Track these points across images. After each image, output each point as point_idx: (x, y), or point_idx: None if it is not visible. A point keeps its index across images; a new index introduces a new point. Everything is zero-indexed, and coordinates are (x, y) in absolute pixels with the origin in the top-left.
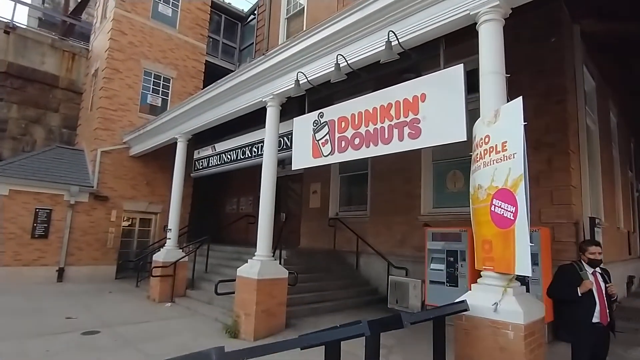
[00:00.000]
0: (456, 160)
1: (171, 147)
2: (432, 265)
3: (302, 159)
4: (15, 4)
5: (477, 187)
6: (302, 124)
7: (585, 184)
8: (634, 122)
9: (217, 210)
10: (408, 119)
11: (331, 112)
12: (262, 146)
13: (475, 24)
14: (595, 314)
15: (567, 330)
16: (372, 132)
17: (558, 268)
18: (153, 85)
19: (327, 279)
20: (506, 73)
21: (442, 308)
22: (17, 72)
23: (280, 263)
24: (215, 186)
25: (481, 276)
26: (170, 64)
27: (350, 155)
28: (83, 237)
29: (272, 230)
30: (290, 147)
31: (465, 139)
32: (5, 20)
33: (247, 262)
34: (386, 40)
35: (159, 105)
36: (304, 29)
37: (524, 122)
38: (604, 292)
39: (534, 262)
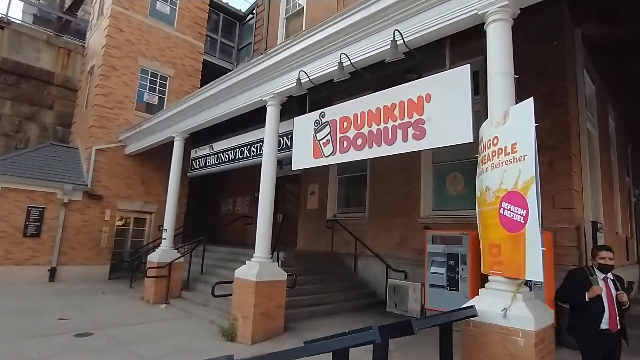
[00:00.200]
0: (456, 162)
1: (167, 146)
2: (432, 269)
3: (302, 159)
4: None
5: (485, 190)
6: (303, 124)
7: (586, 188)
8: (632, 125)
9: (213, 210)
10: (412, 120)
11: (333, 112)
12: (260, 146)
13: (483, 24)
14: (603, 320)
15: (576, 336)
16: (375, 132)
17: (568, 272)
18: (150, 83)
19: (325, 282)
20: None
21: (451, 313)
22: (11, 68)
23: (277, 265)
24: (210, 186)
25: (487, 280)
26: (168, 63)
27: (353, 155)
28: (76, 236)
29: (271, 232)
30: (290, 147)
31: (472, 141)
32: (0, 16)
33: (244, 263)
34: (391, 39)
35: (156, 103)
36: (303, 29)
37: (535, 123)
38: (614, 298)
39: None
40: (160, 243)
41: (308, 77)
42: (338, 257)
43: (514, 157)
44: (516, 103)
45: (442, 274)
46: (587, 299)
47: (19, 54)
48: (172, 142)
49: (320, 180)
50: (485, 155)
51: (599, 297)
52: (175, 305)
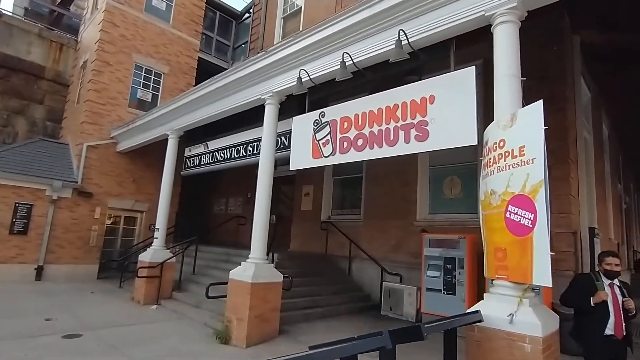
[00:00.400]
0: (454, 166)
1: (160, 144)
2: (429, 272)
3: (301, 159)
4: None
5: (490, 193)
6: (302, 124)
7: (582, 194)
8: (625, 134)
9: (205, 210)
10: (415, 121)
11: (333, 112)
12: (257, 145)
13: (488, 26)
14: (608, 326)
15: (581, 341)
16: (376, 133)
17: (574, 276)
18: (144, 80)
19: (320, 284)
20: None
21: (457, 318)
22: (1, 61)
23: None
24: (202, 186)
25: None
26: (163, 59)
27: (353, 156)
28: (65, 234)
29: (267, 233)
30: (288, 146)
31: (476, 143)
32: None
33: (237, 264)
34: (396, 39)
35: (149, 100)
36: (301, 29)
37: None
38: (620, 305)
39: None
40: (151, 243)
41: (309, 76)
42: (332, 259)
43: (521, 160)
44: (523, 106)
45: (438, 277)
46: (592, 304)
47: (9, 47)
48: (166, 140)
49: (315, 182)
50: (490, 158)
51: (605, 302)
52: (166, 306)
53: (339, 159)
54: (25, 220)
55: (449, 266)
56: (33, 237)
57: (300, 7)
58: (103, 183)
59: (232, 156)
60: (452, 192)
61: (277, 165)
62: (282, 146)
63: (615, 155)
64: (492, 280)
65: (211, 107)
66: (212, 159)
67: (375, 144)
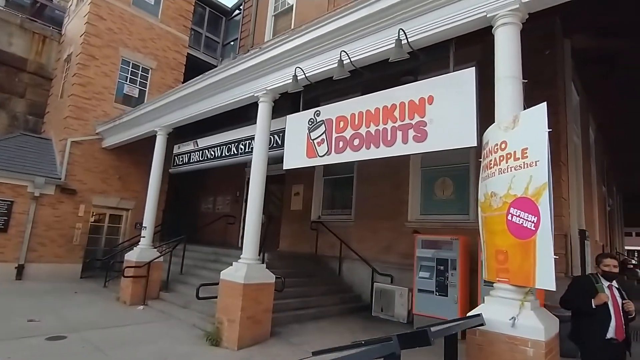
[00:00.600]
0: (445, 167)
1: (147, 141)
2: (421, 274)
3: (295, 158)
4: None
5: (490, 195)
6: (296, 122)
7: (572, 197)
8: (610, 138)
9: (192, 209)
10: (414, 122)
11: (329, 111)
12: (249, 143)
13: (489, 27)
14: (610, 328)
15: (580, 344)
16: (373, 133)
17: (573, 279)
18: (131, 75)
19: (311, 285)
20: None
21: (460, 322)
22: None
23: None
24: (189, 184)
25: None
26: (150, 54)
27: (349, 156)
28: (47, 232)
29: (260, 233)
30: (281, 145)
31: (476, 145)
32: None
33: (225, 264)
34: (395, 38)
35: (136, 96)
36: (292, 27)
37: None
38: (620, 307)
39: None
40: (137, 241)
41: (304, 74)
42: (322, 259)
43: (524, 162)
44: (524, 108)
45: (431, 279)
46: (593, 306)
47: None
48: (153, 136)
49: (305, 181)
50: (491, 160)
51: (606, 304)
52: (153, 306)
53: (334, 158)
54: (6, 218)
55: (442, 267)
56: (13, 235)
57: (292, 5)
58: (87, 180)
59: (223, 154)
60: (443, 193)
61: (267, 163)
62: (274, 145)
63: (601, 158)
64: (492, 283)
65: (203, 103)
66: (202, 157)
67: (372, 144)
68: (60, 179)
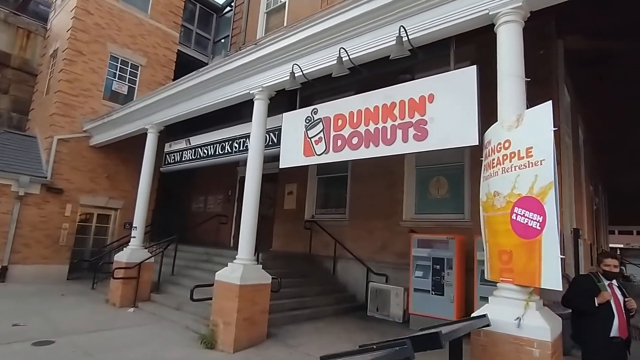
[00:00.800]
0: (440, 166)
1: (136, 139)
2: (417, 273)
3: (291, 157)
4: None
5: (493, 194)
6: (293, 120)
7: (565, 196)
8: (600, 137)
9: (183, 208)
10: (414, 120)
11: (326, 109)
12: (243, 142)
13: (493, 25)
14: (613, 327)
15: (582, 343)
16: (372, 131)
17: (574, 278)
18: (120, 71)
19: (306, 285)
20: None
21: (467, 323)
22: None
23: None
24: (179, 182)
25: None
26: (140, 51)
27: (348, 155)
28: (32, 232)
29: (256, 233)
30: (277, 143)
31: (477, 143)
32: None
33: (218, 264)
34: (396, 35)
35: (125, 93)
36: (285, 24)
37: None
38: (622, 305)
39: None
40: (127, 242)
41: (302, 71)
42: (316, 259)
43: (529, 161)
44: (527, 107)
45: (427, 278)
46: (596, 305)
47: None
48: (142, 135)
49: (299, 180)
50: (494, 159)
51: (608, 303)
52: (144, 309)
53: (332, 157)
54: None
55: (438, 267)
56: None
57: (285, 3)
58: (74, 179)
59: (217, 153)
60: (438, 192)
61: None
62: (270, 143)
63: (589, 158)
64: (494, 282)
65: (195, 100)
66: (194, 155)
67: (371, 143)
68: (46, 177)
